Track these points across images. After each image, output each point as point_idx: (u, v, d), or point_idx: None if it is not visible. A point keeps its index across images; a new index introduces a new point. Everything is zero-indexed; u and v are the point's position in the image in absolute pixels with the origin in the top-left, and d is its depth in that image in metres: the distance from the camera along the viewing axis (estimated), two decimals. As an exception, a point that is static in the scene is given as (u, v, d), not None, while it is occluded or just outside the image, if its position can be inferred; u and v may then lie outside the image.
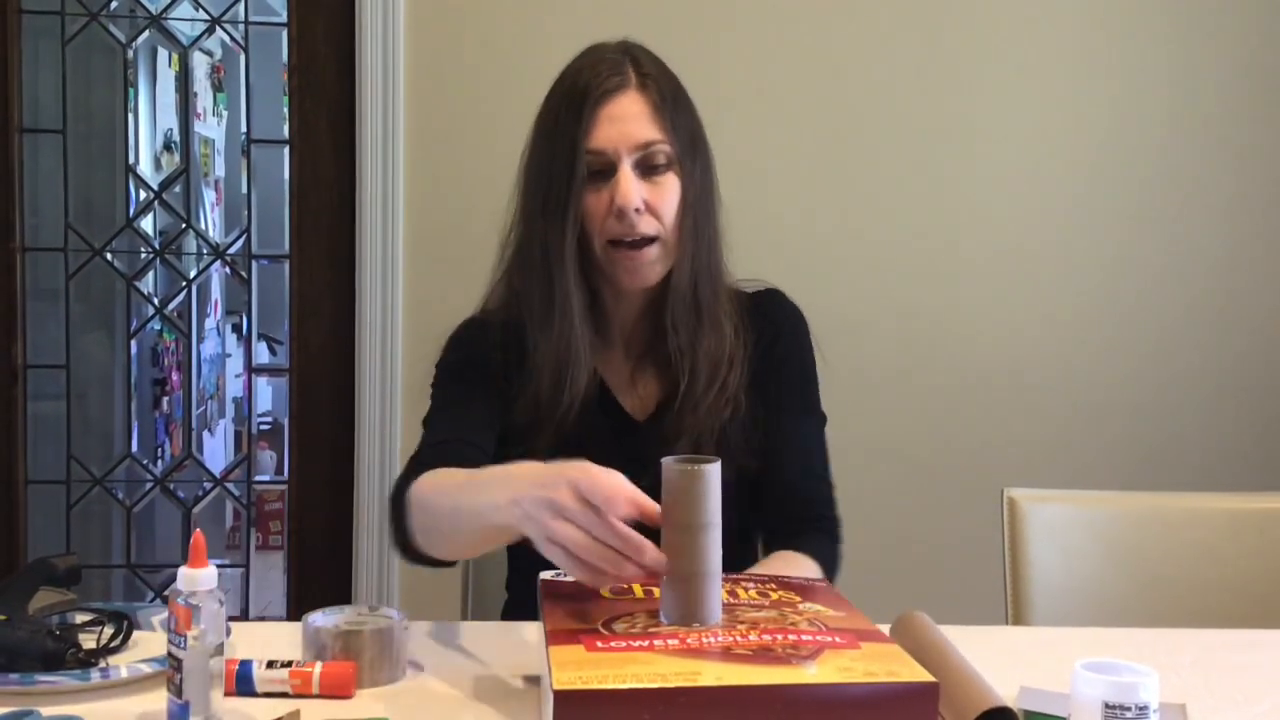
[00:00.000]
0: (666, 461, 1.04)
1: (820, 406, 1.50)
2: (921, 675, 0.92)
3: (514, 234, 1.43)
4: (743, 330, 1.44)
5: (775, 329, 1.48)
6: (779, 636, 0.98)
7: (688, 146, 1.37)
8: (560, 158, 1.34)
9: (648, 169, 1.34)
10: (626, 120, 1.33)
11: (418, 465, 1.31)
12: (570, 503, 1.00)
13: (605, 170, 1.33)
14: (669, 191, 1.35)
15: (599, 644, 0.97)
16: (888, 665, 0.93)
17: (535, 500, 1.02)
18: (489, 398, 1.42)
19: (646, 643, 0.97)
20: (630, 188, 1.32)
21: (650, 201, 1.34)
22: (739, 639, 0.98)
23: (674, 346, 1.39)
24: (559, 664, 0.92)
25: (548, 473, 1.04)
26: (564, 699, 0.87)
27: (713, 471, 1.04)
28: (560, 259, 1.35)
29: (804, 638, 0.98)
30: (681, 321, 1.39)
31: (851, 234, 2.52)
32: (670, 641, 0.97)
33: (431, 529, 1.23)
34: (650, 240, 1.35)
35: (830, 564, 1.39)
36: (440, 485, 1.22)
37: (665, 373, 1.42)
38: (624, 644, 0.97)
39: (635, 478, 1.39)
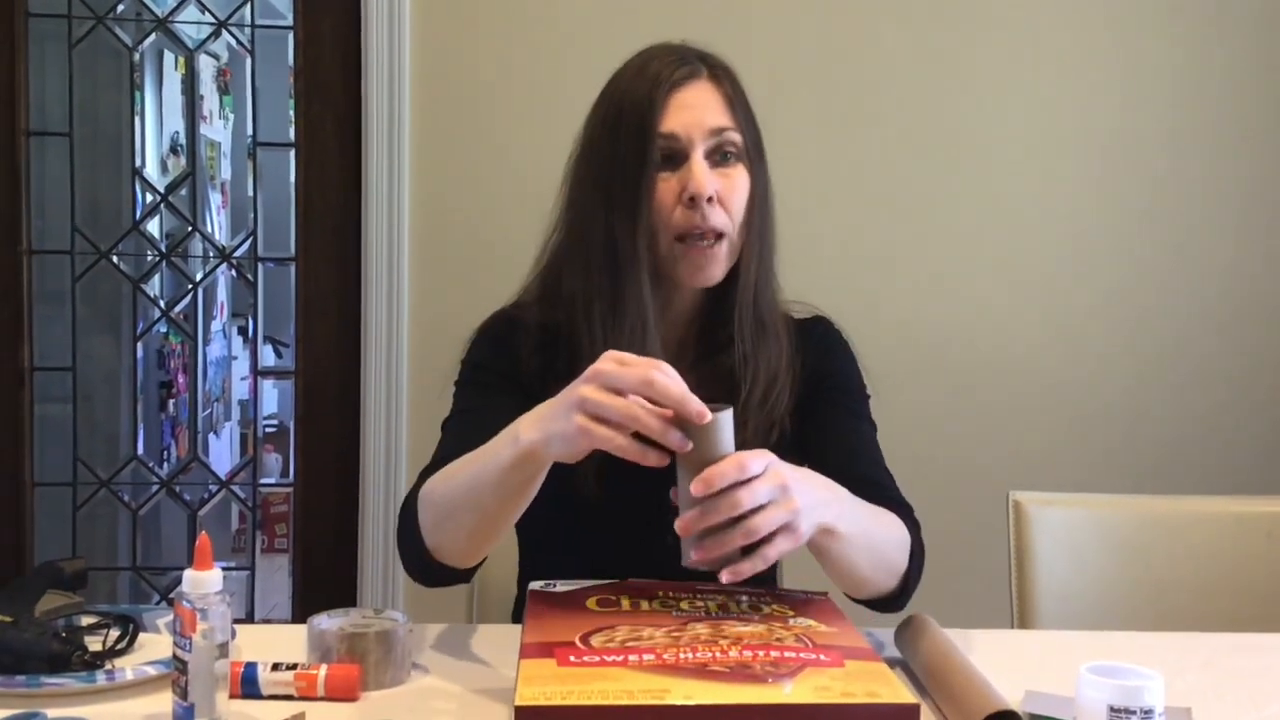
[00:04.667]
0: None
1: (869, 415, 1.45)
2: (902, 696, 0.91)
3: (561, 232, 1.38)
4: (790, 352, 1.40)
5: (815, 351, 1.44)
6: (760, 653, 0.97)
7: (755, 143, 1.35)
8: (628, 145, 1.29)
9: (719, 159, 1.31)
10: (699, 107, 1.30)
11: (424, 478, 1.27)
12: (594, 394, 1.01)
13: (676, 157, 1.29)
14: (739, 184, 1.31)
15: (572, 658, 0.96)
16: (868, 685, 0.92)
17: (558, 411, 1.03)
18: (509, 402, 1.35)
19: (621, 658, 0.96)
20: (703, 174, 1.28)
21: (721, 193, 1.29)
22: (718, 655, 0.97)
23: (739, 354, 1.34)
24: (525, 679, 0.92)
25: (557, 399, 1.06)
26: (524, 715, 0.87)
27: (726, 417, 1.03)
28: (632, 253, 1.29)
29: (786, 655, 0.97)
30: (747, 328, 1.35)
31: (857, 237, 2.52)
32: (646, 657, 0.96)
33: (446, 518, 1.18)
34: (719, 236, 1.30)
35: (916, 536, 1.30)
36: (449, 471, 1.19)
37: (714, 386, 1.32)
38: (597, 659, 0.96)
39: (664, 489, 1.38)
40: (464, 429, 1.32)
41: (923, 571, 1.29)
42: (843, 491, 1.17)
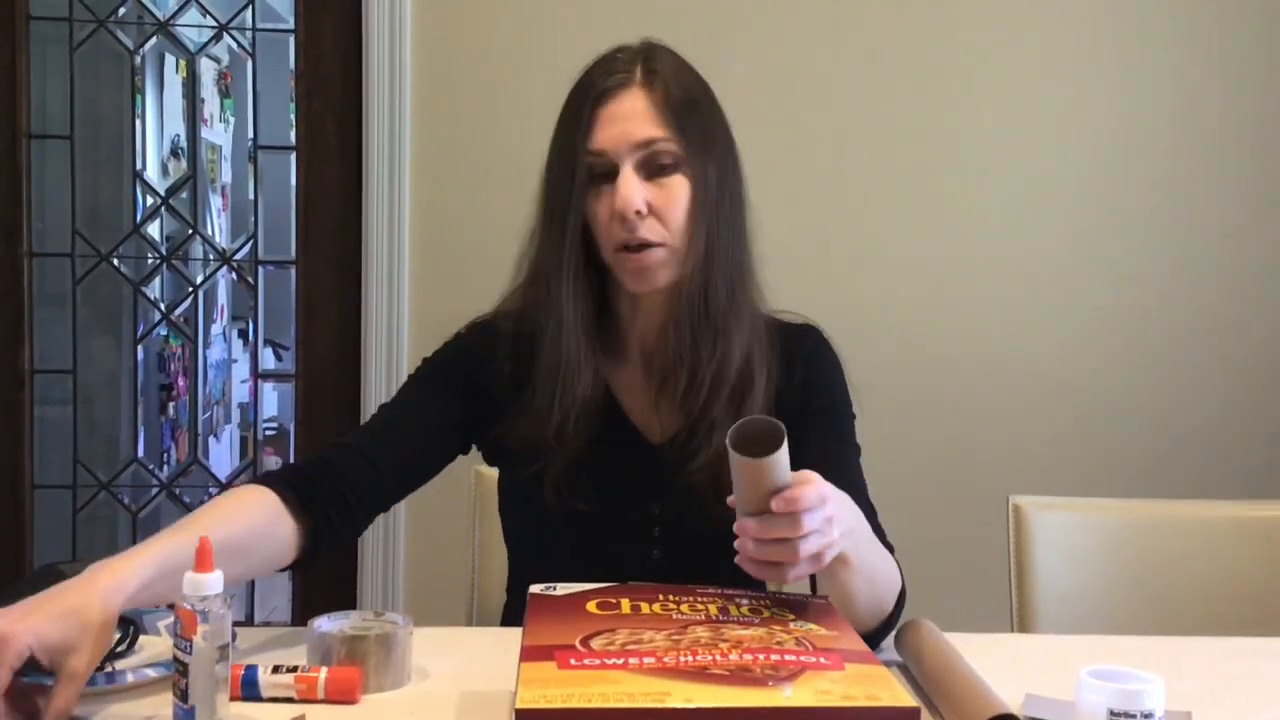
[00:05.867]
0: (730, 445, 1.06)
1: (854, 438, 1.43)
2: (902, 699, 0.91)
3: (530, 245, 1.39)
4: (769, 357, 1.37)
5: (806, 364, 1.41)
6: (760, 656, 0.98)
7: (699, 148, 1.30)
8: (562, 162, 1.31)
9: (653, 170, 1.28)
10: (627, 119, 1.28)
11: (331, 446, 1.37)
12: None
13: (609, 173, 1.28)
14: (676, 194, 1.29)
15: (572, 661, 0.96)
16: (868, 689, 0.92)
17: None
18: (444, 405, 1.39)
19: (621, 661, 0.96)
20: (631, 190, 1.26)
21: (654, 204, 1.28)
22: (719, 658, 0.97)
23: (680, 354, 1.33)
24: (526, 682, 0.92)
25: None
26: (524, 718, 0.87)
27: (779, 458, 1.05)
28: (558, 266, 1.31)
29: (786, 657, 0.98)
30: (689, 331, 1.32)
31: (857, 239, 2.52)
32: (646, 660, 0.96)
33: None
34: (656, 245, 1.29)
35: (901, 582, 1.30)
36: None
37: (688, 391, 1.34)
38: (598, 661, 0.96)
39: (650, 501, 1.37)
40: (380, 418, 1.40)
41: (898, 621, 1.29)
42: (864, 524, 1.20)
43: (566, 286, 1.31)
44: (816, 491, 1.05)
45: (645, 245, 1.29)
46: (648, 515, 1.39)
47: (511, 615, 1.53)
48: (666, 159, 1.29)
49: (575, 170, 1.29)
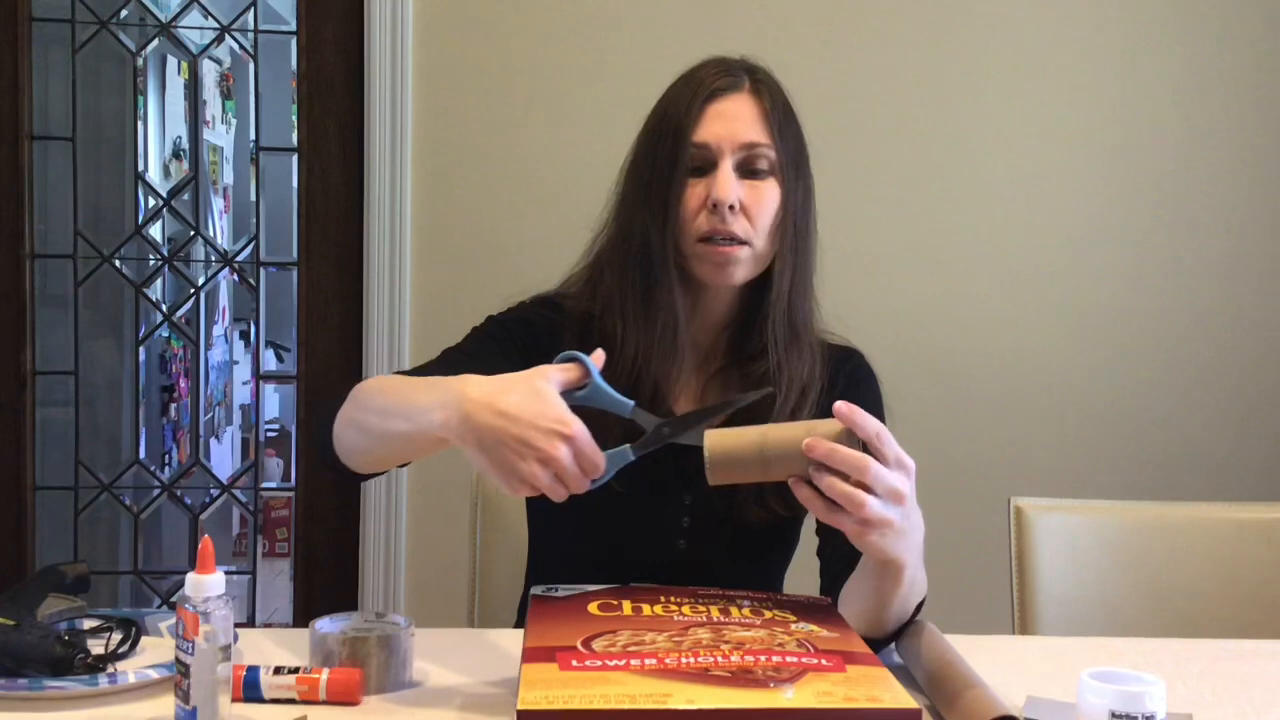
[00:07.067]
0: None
1: None
2: (903, 701, 0.91)
3: (609, 229, 1.41)
4: (822, 374, 1.41)
5: (844, 386, 1.44)
6: (762, 658, 0.98)
7: (792, 159, 1.36)
8: (665, 149, 1.34)
9: (749, 171, 1.33)
10: (734, 119, 1.33)
11: None
12: (567, 462, 1.05)
13: (706, 166, 1.32)
14: (767, 197, 1.33)
15: (574, 662, 0.96)
16: (870, 690, 0.92)
17: (509, 436, 1.06)
18: (508, 367, 1.39)
19: (623, 662, 0.96)
20: (727, 182, 1.30)
21: (746, 203, 1.32)
22: (720, 660, 0.97)
23: (772, 361, 1.36)
24: (528, 683, 0.92)
25: (513, 417, 1.07)
26: (526, 719, 0.87)
27: (712, 438, 1.10)
28: (662, 254, 1.33)
29: (788, 659, 0.98)
30: (780, 336, 1.36)
31: (859, 241, 2.52)
32: (648, 661, 0.96)
33: (353, 423, 1.23)
34: (741, 242, 1.32)
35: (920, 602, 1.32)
36: (391, 384, 1.23)
37: (738, 392, 1.37)
38: (599, 663, 0.96)
39: (684, 493, 1.38)
40: (450, 368, 1.38)
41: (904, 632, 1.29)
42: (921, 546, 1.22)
43: (671, 269, 1.34)
44: (886, 442, 1.08)
45: (731, 240, 1.32)
46: (678, 505, 1.39)
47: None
48: (763, 164, 1.33)
49: (678, 158, 1.32)
